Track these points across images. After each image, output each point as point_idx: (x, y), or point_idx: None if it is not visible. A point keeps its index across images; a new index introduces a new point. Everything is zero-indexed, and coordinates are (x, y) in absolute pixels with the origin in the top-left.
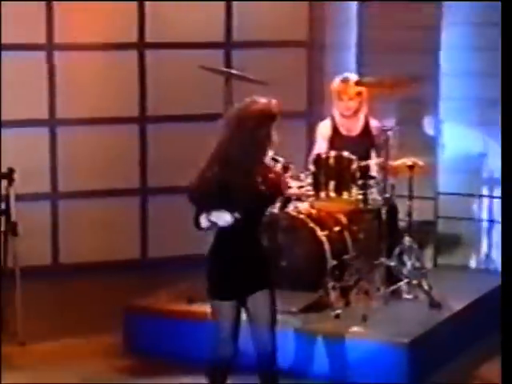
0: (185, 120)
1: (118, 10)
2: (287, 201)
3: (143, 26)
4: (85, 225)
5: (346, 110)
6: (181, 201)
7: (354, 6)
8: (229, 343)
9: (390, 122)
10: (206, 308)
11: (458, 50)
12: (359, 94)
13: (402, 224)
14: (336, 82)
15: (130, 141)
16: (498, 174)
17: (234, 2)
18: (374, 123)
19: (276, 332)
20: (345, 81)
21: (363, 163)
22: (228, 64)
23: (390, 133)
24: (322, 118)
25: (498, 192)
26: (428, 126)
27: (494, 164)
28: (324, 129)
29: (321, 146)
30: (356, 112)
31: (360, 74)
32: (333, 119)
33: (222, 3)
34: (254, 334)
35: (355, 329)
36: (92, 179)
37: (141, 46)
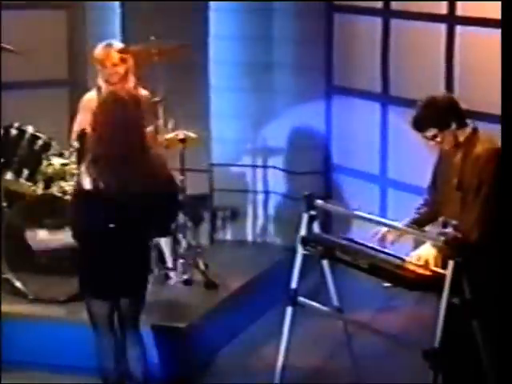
0: None
1: None
2: (50, 180)
3: None
4: None
5: (111, 76)
6: None
7: None
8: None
9: (158, 92)
10: None
11: (227, 12)
12: (124, 60)
13: None
14: (98, 50)
15: None
16: (271, 142)
17: None
18: (142, 94)
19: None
20: (107, 47)
21: None
22: None
23: (159, 104)
24: (86, 86)
25: (271, 161)
26: (198, 94)
27: (268, 132)
28: (89, 101)
29: (86, 120)
30: (122, 80)
31: (125, 37)
32: (99, 91)
33: None
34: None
35: None
36: None
37: None
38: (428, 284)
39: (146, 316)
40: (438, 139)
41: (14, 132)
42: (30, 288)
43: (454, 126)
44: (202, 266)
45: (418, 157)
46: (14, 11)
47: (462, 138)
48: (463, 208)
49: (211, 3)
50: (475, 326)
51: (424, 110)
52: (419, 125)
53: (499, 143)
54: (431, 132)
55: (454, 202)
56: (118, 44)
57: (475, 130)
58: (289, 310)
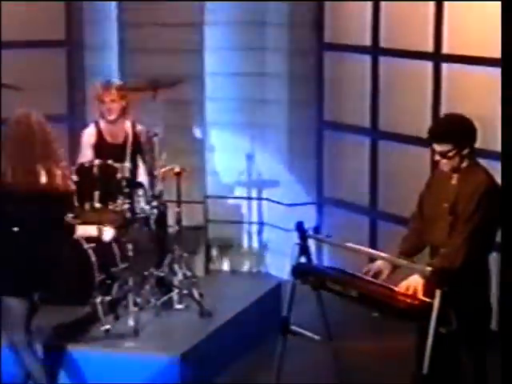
0: None
1: None
2: None
3: None
4: None
5: (109, 112)
6: None
7: (112, 4)
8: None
9: (156, 126)
10: None
11: (221, 50)
12: (122, 96)
13: (171, 231)
14: (97, 87)
15: None
16: (265, 175)
17: None
18: (139, 129)
19: None
20: (106, 85)
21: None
22: None
23: (155, 138)
24: (85, 121)
25: (266, 194)
26: (194, 128)
27: (262, 165)
28: (88, 136)
29: (85, 154)
30: (120, 116)
31: (123, 74)
32: (97, 126)
33: None
34: None
35: (126, 344)
36: None
37: None
38: (416, 313)
39: (141, 344)
40: (450, 154)
41: None
42: None
43: (466, 150)
44: (196, 296)
45: (407, 189)
46: (15, 50)
47: (464, 164)
48: (452, 232)
49: (207, 42)
50: (462, 354)
51: (449, 125)
52: (439, 136)
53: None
54: (447, 147)
55: (442, 226)
56: (116, 81)
57: (475, 160)
58: (280, 339)
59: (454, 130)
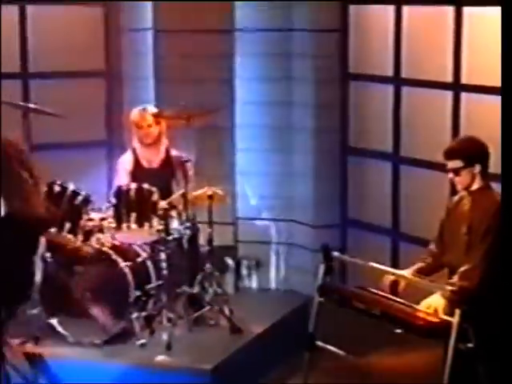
0: None
1: None
2: (89, 233)
3: None
4: None
5: (146, 137)
6: None
7: (150, 35)
8: None
9: (189, 152)
10: None
11: (251, 80)
12: (158, 122)
13: (203, 250)
14: (134, 113)
15: None
16: (292, 198)
17: (29, 32)
18: (174, 154)
19: None
20: (143, 111)
21: (165, 202)
22: (26, 95)
23: (188, 163)
24: (123, 147)
25: (293, 216)
26: (225, 154)
27: (289, 189)
28: (125, 162)
29: (122, 179)
30: (156, 142)
31: (158, 103)
32: (134, 152)
33: (15, 33)
34: None
35: (160, 358)
36: None
37: None
38: (437, 331)
39: (174, 358)
40: (461, 171)
41: (56, 188)
42: (69, 332)
43: (477, 168)
44: (227, 312)
45: (427, 212)
46: (58, 79)
47: (475, 186)
48: (469, 252)
49: (237, 72)
50: (481, 371)
51: (460, 143)
52: (449, 153)
53: None
54: (456, 164)
55: (459, 247)
56: (152, 108)
57: (488, 184)
58: (306, 354)
59: (463, 147)
